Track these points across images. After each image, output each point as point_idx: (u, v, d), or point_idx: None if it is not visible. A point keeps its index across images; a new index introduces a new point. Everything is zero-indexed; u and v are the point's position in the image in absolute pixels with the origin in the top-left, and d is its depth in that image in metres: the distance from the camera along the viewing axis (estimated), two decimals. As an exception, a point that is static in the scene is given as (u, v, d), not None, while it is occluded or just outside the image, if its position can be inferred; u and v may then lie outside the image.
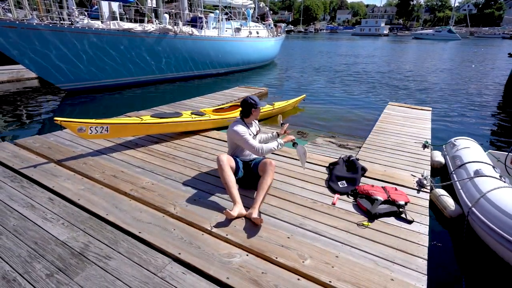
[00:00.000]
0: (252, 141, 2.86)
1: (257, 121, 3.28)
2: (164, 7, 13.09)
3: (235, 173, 2.83)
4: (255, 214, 2.42)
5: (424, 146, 4.30)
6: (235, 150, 3.06)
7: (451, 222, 3.08)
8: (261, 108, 3.10)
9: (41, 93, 9.18)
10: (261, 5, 19.11)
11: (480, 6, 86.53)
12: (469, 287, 2.47)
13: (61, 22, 8.49)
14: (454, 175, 3.54)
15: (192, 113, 4.64)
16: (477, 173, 3.14)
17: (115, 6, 10.58)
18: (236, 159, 2.95)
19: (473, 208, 2.78)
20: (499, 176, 3.09)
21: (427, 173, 3.43)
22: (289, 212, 2.64)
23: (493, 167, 3.32)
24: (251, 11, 16.51)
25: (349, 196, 2.92)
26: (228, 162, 2.74)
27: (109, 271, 1.94)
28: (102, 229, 2.36)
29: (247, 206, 2.64)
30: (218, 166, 2.74)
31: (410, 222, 2.52)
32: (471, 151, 3.76)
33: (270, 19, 18.54)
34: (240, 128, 2.88)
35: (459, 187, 3.23)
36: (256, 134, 3.17)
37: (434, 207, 3.27)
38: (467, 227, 2.82)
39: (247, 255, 2.12)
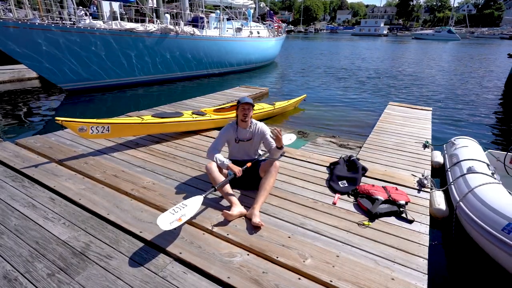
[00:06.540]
0: (213, 144, 2.85)
1: (260, 128, 2.95)
2: (165, 7, 13.10)
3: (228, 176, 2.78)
4: (255, 219, 2.38)
5: (425, 146, 4.31)
6: (230, 150, 3.07)
7: (444, 221, 3.08)
8: (248, 103, 2.80)
9: (42, 93, 9.19)
10: (261, 5, 19.11)
11: (480, 6, 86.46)
12: (466, 285, 2.47)
13: (62, 22, 8.49)
14: (449, 173, 3.56)
15: (193, 113, 4.65)
16: (470, 170, 3.17)
17: (115, 6, 10.59)
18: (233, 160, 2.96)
19: (460, 203, 2.81)
20: (491, 173, 3.12)
21: (428, 173, 3.44)
22: (289, 211, 2.64)
23: (488, 165, 3.34)
24: (252, 11, 16.52)
25: (350, 195, 2.93)
26: (216, 169, 2.69)
27: (110, 271, 1.95)
28: (103, 228, 2.36)
29: (248, 206, 2.64)
30: (208, 174, 2.72)
31: (410, 221, 2.53)
32: (468, 150, 3.77)
33: (281, 24, 18.33)
34: (221, 130, 2.96)
35: (452, 184, 3.26)
36: (247, 140, 2.94)
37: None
38: (456, 222, 2.84)
39: (248, 254, 2.13)
